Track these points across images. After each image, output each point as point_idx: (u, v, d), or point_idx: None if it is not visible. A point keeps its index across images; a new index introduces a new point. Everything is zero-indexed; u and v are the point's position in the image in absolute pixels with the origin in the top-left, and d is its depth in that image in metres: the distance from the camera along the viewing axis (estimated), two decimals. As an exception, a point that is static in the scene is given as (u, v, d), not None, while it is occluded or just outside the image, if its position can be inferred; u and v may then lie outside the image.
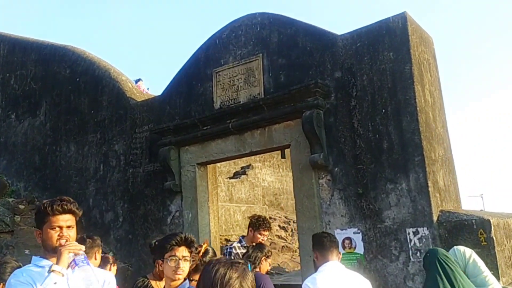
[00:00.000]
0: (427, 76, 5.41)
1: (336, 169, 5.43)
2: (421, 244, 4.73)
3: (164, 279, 2.79)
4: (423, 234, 4.73)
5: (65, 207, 2.35)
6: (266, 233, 4.77)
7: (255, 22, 6.48)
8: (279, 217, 16.40)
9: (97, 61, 9.11)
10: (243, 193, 15.03)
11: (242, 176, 15.28)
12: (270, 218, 15.20)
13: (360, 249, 5.14)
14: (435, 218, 4.70)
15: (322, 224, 5.42)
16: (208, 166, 6.91)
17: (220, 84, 6.65)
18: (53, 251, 2.26)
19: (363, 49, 5.44)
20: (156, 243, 2.94)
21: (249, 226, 4.85)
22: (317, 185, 5.55)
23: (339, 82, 5.57)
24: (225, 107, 6.49)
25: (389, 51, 5.24)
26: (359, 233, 5.16)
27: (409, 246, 4.80)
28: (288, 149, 5.93)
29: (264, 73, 6.22)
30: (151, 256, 3.14)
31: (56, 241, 2.27)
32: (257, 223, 4.76)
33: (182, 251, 2.61)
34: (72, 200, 2.43)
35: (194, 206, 6.65)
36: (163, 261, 2.58)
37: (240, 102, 6.36)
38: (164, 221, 7.02)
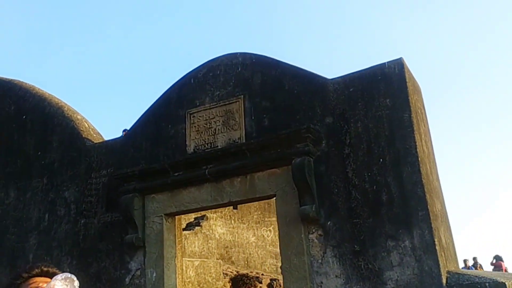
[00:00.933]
0: (422, 125, 5.15)
1: (328, 223, 4.90)
2: (429, 310, 4.23)
3: None
4: (432, 299, 4.24)
5: (45, 269, 1.69)
6: None
7: (235, 62, 6.05)
8: (231, 271, 15.43)
9: (48, 97, 8.22)
10: (197, 246, 14.06)
11: (196, 227, 14.36)
12: (222, 273, 14.23)
13: (358, 315, 4.55)
14: (444, 281, 4.25)
15: (313, 286, 4.80)
16: (175, 217, 6.16)
17: (195, 127, 6.06)
18: None
19: (357, 94, 5.13)
20: None
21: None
22: (307, 240, 4.97)
23: (330, 128, 5.17)
24: (200, 152, 5.86)
25: (385, 98, 4.95)
26: (356, 296, 4.58)
27: (415, 312, 4.28)
28: (273, 199, 5.36)
29: (246, 116, 5.72)
30: None
31: None
32: (235, 282, 4.06)
33: None
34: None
35: (159, 263, 5.80)
36: None
37: (217, 146, 5.77)
38: (122, 282, 6.06)
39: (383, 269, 4.52)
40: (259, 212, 19.31)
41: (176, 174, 5.87)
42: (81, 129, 7.41)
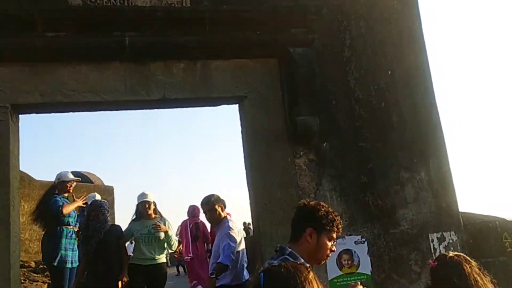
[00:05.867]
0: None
1: (325, 144, 3.53)
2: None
3: None
4: (451, 241, 3.56)
5: None
6: None
7: None
8: None
9: None
10: None
11: None
12: None
13: (365, 267, 3.40)
14: (461, 219, 3.64)
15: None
16: (19, 116, 3.35)
17: (88, -36, 3.41)
18: None
19: (358, -14, 3.93)
20: None
21: None
22: (293, 167, 3.45)
23: (324, 20, 3.77)
24: (101, 6, 3.33)
25: (393, -1, 3.97)
26: (363, 242, 3.43)
27: (434, 258, 3.49)
28: (241, 105, 3.51)
29: (192, -29, 3.60)
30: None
31: None
32: None
33: None
34: None
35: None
36: None
37: (136, 4, 3.40)
38: None
39: (397, 206, 3.53)
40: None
41: (52, 34, 3.15)
42: None
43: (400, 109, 3.73)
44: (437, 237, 3.54)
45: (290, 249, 2.14)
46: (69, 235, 4.80)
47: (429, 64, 3.89)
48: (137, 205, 4.87)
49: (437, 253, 3.50)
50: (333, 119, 3.58)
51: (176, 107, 3.57)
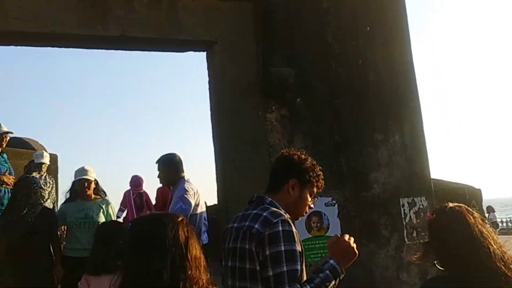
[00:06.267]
0: None
1: (298, 99, 3.29)
2: (418, 220, 3.42)
3: None
4: (421, 207, 3.45)
5: None
6: None
7: None
8: None
9: None
10: None
11: None
12: None
13: (335, 230, 3.23)
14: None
15: (274, 190, 3.10)
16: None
17: None
18: None
19: None
20: None
21: None
22: (264, 122, 3.19)
23: (302, -34, 3.48)
24: None
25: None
26: (333, 205, 3.25)
27: (404, 223, 3.39)
28: (210, 51, 3.17)
29: None
30: None
31: None
32: None
33: None
34: None
35: None
36: None
37: None
38: None
39: (369, 170, 3.37)
40: None
41: (-9, -51, 2.66)
42: None
43: (377, 68, 3.54)
44: (408, 202, 3.42)
45: (270, 199, 1.90)
46: (2, 194, 4.28)
47: (408, 26, 3.71)
48: (74, 182, 3.91)
49: (408, 219, 3.39)
50: (307, 73, 3.33)
51: (137, 49, 3.19)
